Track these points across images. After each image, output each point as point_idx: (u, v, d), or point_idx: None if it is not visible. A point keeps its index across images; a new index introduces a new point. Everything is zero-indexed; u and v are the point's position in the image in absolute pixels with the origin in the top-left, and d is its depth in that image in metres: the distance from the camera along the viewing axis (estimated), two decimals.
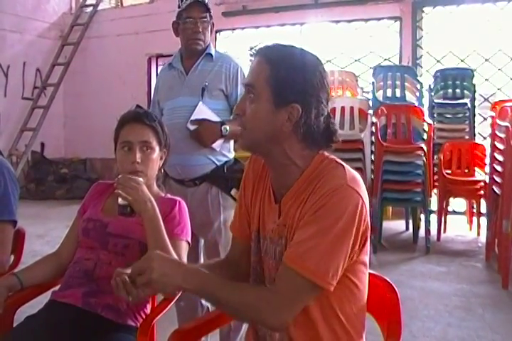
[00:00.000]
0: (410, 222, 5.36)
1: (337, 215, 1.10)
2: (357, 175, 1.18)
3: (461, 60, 6.44)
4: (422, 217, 4.98)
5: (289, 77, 1.15)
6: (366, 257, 1.21)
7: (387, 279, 1.38)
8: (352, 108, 5.24)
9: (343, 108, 5.18)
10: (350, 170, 1.17)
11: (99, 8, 8.68)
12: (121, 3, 8.85)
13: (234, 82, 2.28)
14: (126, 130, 1.72)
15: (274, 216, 1.25)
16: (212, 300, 1.18)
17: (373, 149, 5.13)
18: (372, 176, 4.95)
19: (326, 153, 1.22)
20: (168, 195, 1.80)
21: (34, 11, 8.33)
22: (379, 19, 6.85)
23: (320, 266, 1.09)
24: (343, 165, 1.19)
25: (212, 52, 2.32)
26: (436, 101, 5.63)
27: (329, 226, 1.10)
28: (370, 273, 1.30)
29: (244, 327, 2.29)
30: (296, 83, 1.15)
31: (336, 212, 1.10)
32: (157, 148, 1.73)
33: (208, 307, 2.38)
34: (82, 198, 1.86)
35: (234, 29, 7.50)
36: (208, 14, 2.27)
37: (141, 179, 1.58)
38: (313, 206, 1.12)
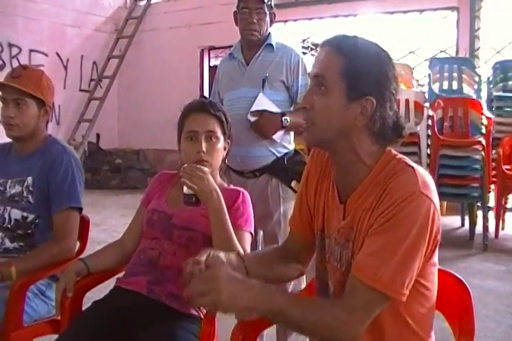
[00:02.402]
0: (466, 217, 5.22)
1: (409, 226, 1.05)
2: (427, 176, 1.12)
3: None
4: (479, 213, 4.83)
5: (365, 68, 1.11)
6: (436, 258, 1.16)
7: (459, 276, 1.33)
8: (407, 100, 5.13)
9: (397, 100, 5.05)
10: (420, 173, 1.11)
11: (153, 1, 8.82)
12: None
13: (295, 73, 2.26)
14: (191, 119, 1.72)
15: (338, 216, 1.21)
16: (282, 320, 1.08)
17: (429, 143, 5.01)
18: (428, 170, 4.83)
19: (394, 152, 1.18)
20: (231, 186, 1.80)
21: (91, 6, 8.55)
22: (435, 10, 6.66)
23: (395, 280, 1.05)
24: (413, 167, 1.12)
25: (273, 42, 2.30)
26: (495, 93, 5.43)
27: (402, 238, 1.05)
28: (439, 270, 1.26)
29: None
30: (371, 74, 1.12)
31: (408, 222, 1.05)
32: (222, 138, 1.73)
33: None
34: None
35: (286, 21, 7.44)
36: (264, 5, 2.25)
37: (206, 168, 1.57)
38: (384, 214, 1.07)
